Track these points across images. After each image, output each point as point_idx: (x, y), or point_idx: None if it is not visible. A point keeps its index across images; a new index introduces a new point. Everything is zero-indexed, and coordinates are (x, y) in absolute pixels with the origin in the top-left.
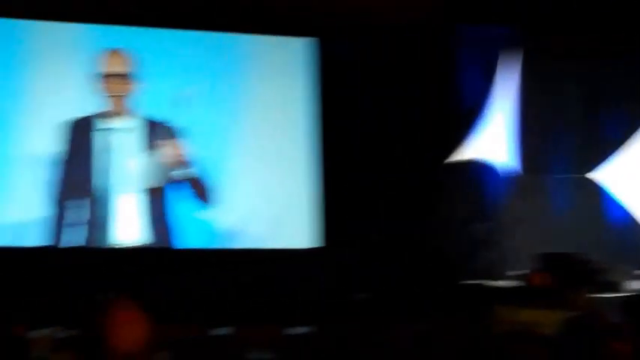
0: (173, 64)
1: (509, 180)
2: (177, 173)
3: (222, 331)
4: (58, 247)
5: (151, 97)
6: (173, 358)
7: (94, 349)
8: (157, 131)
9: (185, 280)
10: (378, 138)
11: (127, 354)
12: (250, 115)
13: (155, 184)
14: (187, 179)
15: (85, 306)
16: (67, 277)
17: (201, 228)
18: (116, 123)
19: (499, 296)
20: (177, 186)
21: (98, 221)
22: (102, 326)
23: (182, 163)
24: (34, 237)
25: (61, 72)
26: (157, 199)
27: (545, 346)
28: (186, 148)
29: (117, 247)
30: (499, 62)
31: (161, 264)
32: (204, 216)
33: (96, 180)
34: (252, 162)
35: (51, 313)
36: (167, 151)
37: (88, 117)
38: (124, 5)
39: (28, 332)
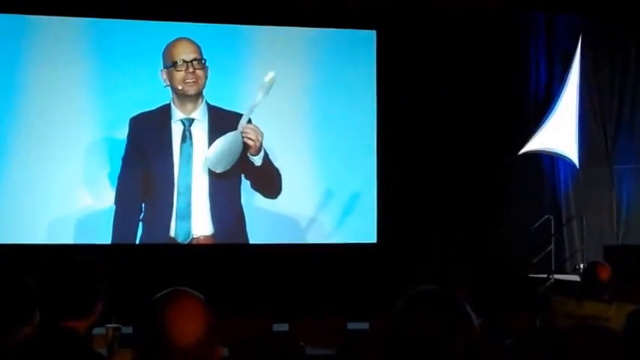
0: (238, 56)
1: (574, 171)
2: (255, 159)
3: (284, 326)
4: (135, 243)
5: (220, 86)
6: (233, 353)
7: (153, 343)
8: (228, 119)
9: (247, 275)
10: (438, 131)
11: (187, 348)
12: (314, 107)
13: (232, 171)
14: (260, 167)
15: (146, 300)
16: (130, 274)
17: (266, 219)
18: (191, 112)
19: (563, 289)
20: (251, 174)
21: (177, 213)
22: (162, 320)
23: (259, 150)
24: (104, 233)
25: (131, 66)
26: (233, 187)
27: (616, 341)
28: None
29: (187, 242)
30: (568, 52)
31: (227, 258)
32: (270, 207)
33: (177, 171)
34: (315, 154)
35: (114, 310)
36: (251, 135)
37: (164, 107)
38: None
39: (91, 329)
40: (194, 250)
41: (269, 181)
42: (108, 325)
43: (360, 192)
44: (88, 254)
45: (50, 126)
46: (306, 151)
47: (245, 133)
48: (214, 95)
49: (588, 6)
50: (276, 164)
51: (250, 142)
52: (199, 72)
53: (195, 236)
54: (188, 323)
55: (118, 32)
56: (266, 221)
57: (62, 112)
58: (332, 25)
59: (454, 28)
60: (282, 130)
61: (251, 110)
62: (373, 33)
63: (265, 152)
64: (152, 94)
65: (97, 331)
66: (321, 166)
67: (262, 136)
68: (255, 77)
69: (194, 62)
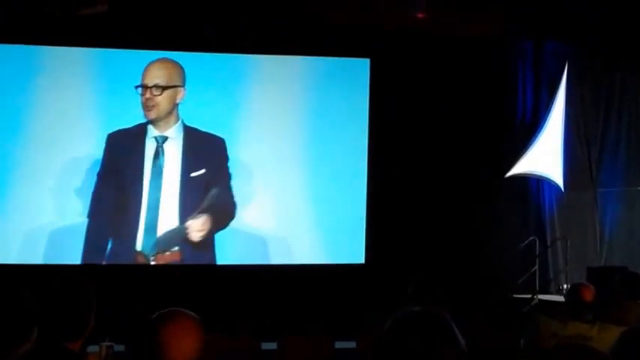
0: (224, 82)
1: (559, 193)
2: None
3: (272, 345)
4: (110, 262)
5: (199, 108)
6: None
7: None
8: (204, 140)
9: (237, 295)
10: (428, 154)
11: None
12: (305, 130)
13: (203, 188)
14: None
15: (138, 319)
16: (120, 292)
17: (252, 239)
18: (165, 130)
19: (547, 309)
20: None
21: (145, 227)
22: (160, 338)
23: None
24: (76, 245)
25: (109, 87)
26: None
27: None
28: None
29: (153, 255)
30: (555, 78)
31: (212, 279)
32: (256, 226)
33: (146, 186)
34: (305, 176)
35: (105, 328)
36: (192, 232)
37: (141, 125)
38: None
39: (85, 347)
40: (182, 269)
41: (220, 225)
42: (101, 344)
43: (350, 213)
44: (75, 273)
45: (32, 143)
46: (296, 172)
47: (188, 229)
48: (193, 116)
49: (574, 34)
50: (266, 184)
51: (194, 239)
52: (158, 98)
53: (160, 250)
54: (184, 342)
55: (105, 59)
56: (252, 241)
57: (40, 131)
58: (326, 54)
59: (445, 56)
60: (272, 151)
61: (214, 135)
62: (367, 61)
63: (229, 184)
64: (132, 112)
65: (90, 349)
66: (310, 188)
67: (209, 221)
68: (241, 103)
69: (153, 89)
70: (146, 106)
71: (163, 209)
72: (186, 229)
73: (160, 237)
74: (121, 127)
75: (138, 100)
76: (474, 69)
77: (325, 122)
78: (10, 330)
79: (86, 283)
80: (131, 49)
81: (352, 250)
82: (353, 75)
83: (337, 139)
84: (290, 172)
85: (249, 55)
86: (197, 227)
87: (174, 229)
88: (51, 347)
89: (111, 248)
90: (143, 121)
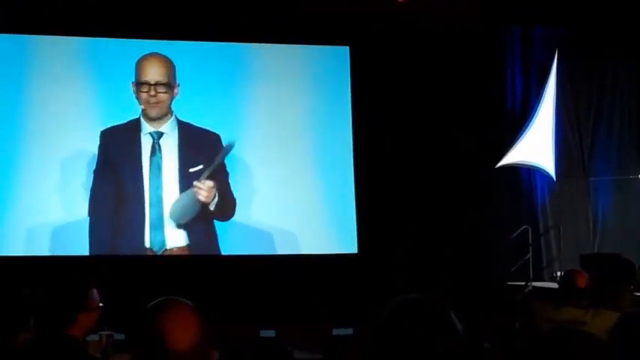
0: (209, 73)
1: (551, 183)
2: (210, 206)
3: (271, 332)
4: (112, 253)
5: (190, 103)
6: (224, 356)
7: (150, 350)
8: (198, 135)
9: (236, 284)
10: (417, 143)
11: (183, 353)
12: (290, 120)
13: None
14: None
15: (140, 308)
16: (122, 282)
17: (246, 232)
18: (159, 126)
19: (540, 295)
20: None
21: (150, 224)
22: (158, 328)
23: (213, 200)
24: (81, 242)
25: (104, 80)
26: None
27: (594, 344)
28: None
29: (167, 252)
30: (545, 65)
31: (211, 268)
32: (244, 220)
33: (147, 183)
34: (291, 168)
35: (107, 317)
36: (201, 193)
37: (134, 121)
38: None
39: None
40: (181, 260)
41: (223, 212)
42: (101, 333)
43: (340, 204)
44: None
45: (27, 139)
46: (283, 164)
47: (197, 190)
48: (185, 111)
49: (565, 19)
50: (256, 178)
51: (203, 199)
52: (162, 95)
53: (168, 247)
54: (183, 330)
55: (94, 48)
56: (248, 234)
57: (38, 125)
58: (305, 42)
59: (428, 42)
60: (258, 143)
61: (210, 170)
62: (346, 49)
63: (227, 180)
64: (124, 107)
65: (90, 338)
66: (299, 180)
67: (215, 189)
68: (227, 94)
69: (157, 86)
70: (148, 103)
71: (167, 206)
72: (194, 188)
73: (173, 207)
74: (113, 124)
75: (129, 95)
76: (459, 56)
77: (310, 113)
78: (6, 321)
79: (76, 277)
80: (119, 38)
81: (345, 241)
82: (335, 64)
83: (323, 130)
84: (277, 163)
85: (223, 44)
86: (205, 188)
87: (184, 195)
88: (51, 335)
89: (117, 245)
90: (135, 116)
